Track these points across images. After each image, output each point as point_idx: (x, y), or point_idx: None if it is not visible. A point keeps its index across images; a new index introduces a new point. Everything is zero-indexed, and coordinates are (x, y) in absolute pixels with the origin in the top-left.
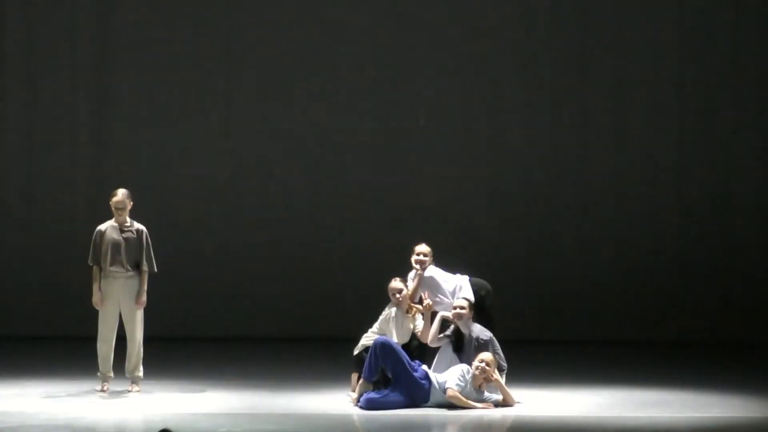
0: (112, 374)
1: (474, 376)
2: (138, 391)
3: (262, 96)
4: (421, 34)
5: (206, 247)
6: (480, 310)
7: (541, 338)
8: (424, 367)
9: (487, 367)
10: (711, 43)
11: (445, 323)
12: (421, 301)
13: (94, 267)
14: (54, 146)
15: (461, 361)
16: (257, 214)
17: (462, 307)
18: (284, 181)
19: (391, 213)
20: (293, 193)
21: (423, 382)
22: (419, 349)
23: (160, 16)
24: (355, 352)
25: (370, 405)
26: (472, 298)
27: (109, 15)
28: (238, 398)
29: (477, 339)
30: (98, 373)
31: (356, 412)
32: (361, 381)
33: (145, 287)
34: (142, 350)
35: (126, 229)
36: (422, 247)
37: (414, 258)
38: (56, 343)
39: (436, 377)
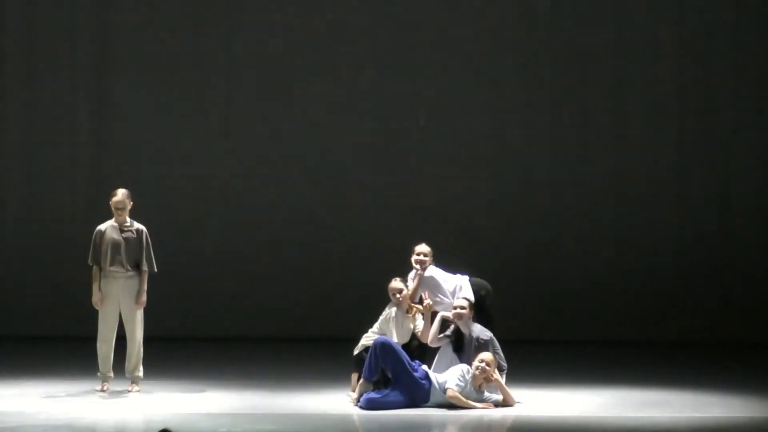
0: (112, 374)
1: (474, 376)
2: (138, 391)
3: (262, 96)
4: (421, 34)
5: (206, 247)
6: (480, 310)
7: (541, 338)
8: (424, 367)
9: (487, 367)
10: (711, 43)
11: (445, 323)
12: (421, 301)
13: (94, 267)
14: (54, 146)
15: (461, 361)
16: (257, 214)
17: (462, 307)
18: (284, 181)
19: (391, 213)
20: (293, 193)
21: (423, 382)
22: (419, 349)
23: (160, 17)
24: (355, 352)
25: (370, 405)
26: (472, 298)
27: (109, 15)
28: (238, 398)
29: (477, 339)
30: (98, 373)
31: (356, 412)
32: (361, 381)
33: (145, 287)
34: (142, 350)
35: (126, 229)
36: (422, 247)
37: (414, 258)
38: (56, 343)
39: (436, 377)
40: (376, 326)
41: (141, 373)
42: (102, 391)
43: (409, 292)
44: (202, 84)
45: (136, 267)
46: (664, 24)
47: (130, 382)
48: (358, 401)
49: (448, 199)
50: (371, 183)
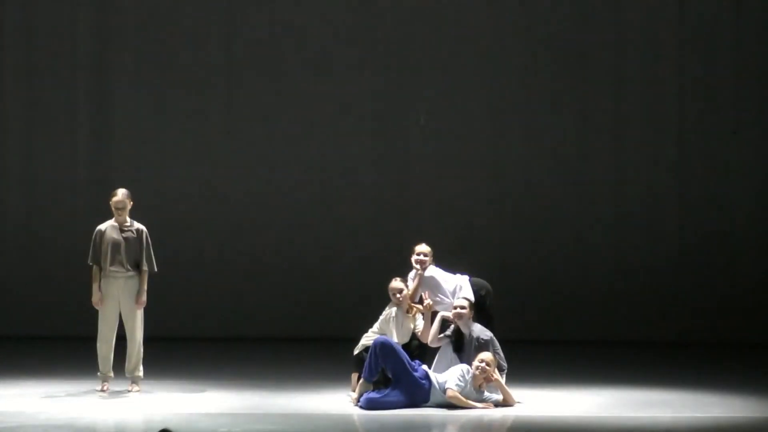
0: (112, 374)
1: (474, 376)
2: (138, 391)
3: (262, 96)
4: (422, 35)
5: (206, 247)
6: (480, 310)
7: (541, 338)
8: (424, 367)
9: (488, 367)
10: (711, 43)
11: (445, 323)
12: (421, 301)
13: (94, 267)
14: (54, 146)
15: (461, 361)
16: (257, 214)
17: (462, 307)
18: (284, 181)
19: (392, 213)
20: (293, 193)
21: (423, 382)
22: (419, 349)
23: (159, 17)
24: (355, 352)
25: (370, 405)
26: (472, 298)
27: (109, 15)
28: (238, 398)
29: (477, 339)
30: (98, 373)
31: (356, 412)
32: (361, 381)
33: (145, 287)
34: (142, 350)
35: (126, 228)
36: (422, 247)
37: (414, 258)
38: (56, 343)
39: (436, 377)
40: (376, 326)
41: (141, 373)
42: (102, 391)
43: (410, 292)
44: (202, 84)
45: (136, 267)
46: (664, 24)
47: (130, 382)
48: (358, 401)
49: (448, 199)
50: (371, 183)
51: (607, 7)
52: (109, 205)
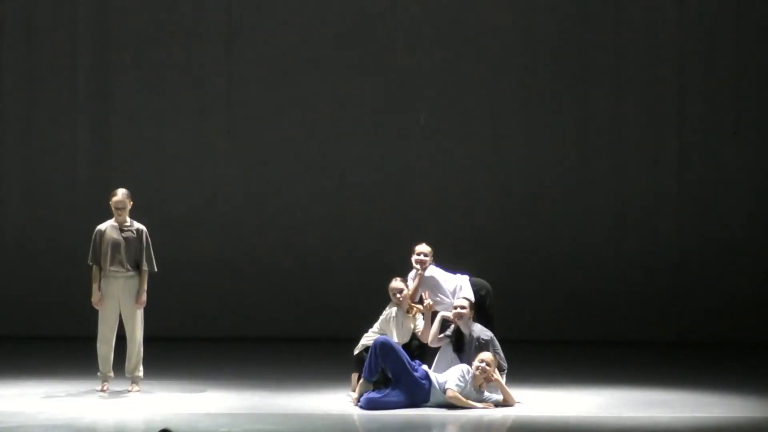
0: (112, 374)
1: (474, 376)
2: (138, 391)
3: (262, 96)
4: (422, 35)
5: (206, 247)
6: (480, 310)
7: (541, 338)
8: (425, 366)
9: (488, 367)
10: (711, 43)
11: (445, 323)
12: (421, 301)
13: (94, 267)
14: (54, 146)
15: (461, 361)
16: (257, 214)
17: (462, 307)
18: (284, 181)
19: (392, 213)
20: (293, 192)
21: (423, 382)
22: (419, 349)
23: (160, 17)
24: (356, 352)
25: (370, 405)
26: (472, 298)
27: (110, 15)
28: (238, 398)
29: (477, 339)
30: (98, 373)
31: (356, 412)
32: (361, 381)
33: (145, 287)
34: (142, 350)
35: (126, 228)
36: (422, 247)
37: (414, 258)
38: (56, 343)
39: (436, 377)
40: (376, 326)
41: (141, 373)
42: (102, 391)
43: (410, 292)
44: (202, 84)
45: (136, 267)
46: (664, 24)
47: (130, 382)
48: (358, 401)
49: (448, 199)
50: (371, 183)
51: (607, 7)
52: (109, 205)
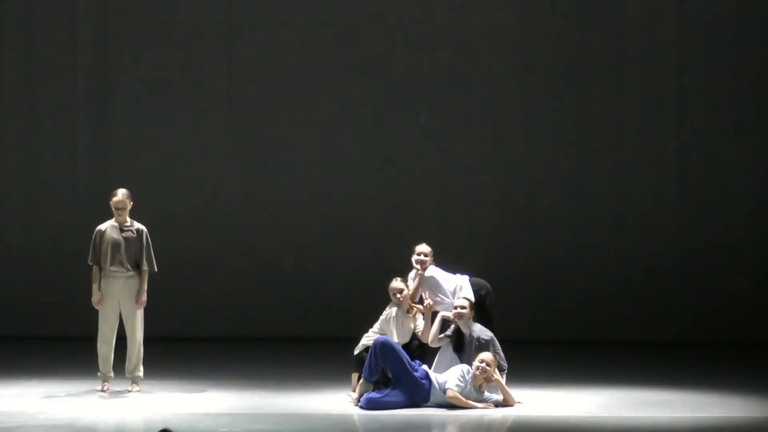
0: (112, 374)
1: (474, 376)
2: (138, 391)
3: (262, 96)
4: (422, 34)
5: (206, 247)
6: (480, 310)
7: (541, 338)
8: (425, 366)
9: (488, 367)
10: (711, 43)
11: (445, 323)
12: (421, 301)
13: (94, 267)
14: (54, 146)
15: (462, 361)
16: (257, 214)
17: (463, 307)
18: (284, 181)
19: (392, 213)
20: (293, 192)
21: (423, 381)
22: (420, 349)
23: (160, 17)
24: (356, 352)
25: (370, 405)
26: (472, 298)
27: (109, 15)
28: (238, 398)
29: (478, 339)
30: (98, 373)
31: (356, 412)
32: (361, 381)
33: (146, 287)
34: (142, 350)
35: (126, 228)
36: (423, 247)
37: (414, 258)
38: (56, 343)
39: (436, 377)
40: (376, 326)
41: (141, 373)
42: (102, 391)
43: (410, 292)
44: (202, 84)
45: (137, 267)
46: (664, 24)
47: (130, 382)
48: (359, 401)
49: (448, 199)
50: (371, 182)
51: (607, 7)
52: (109, 205)
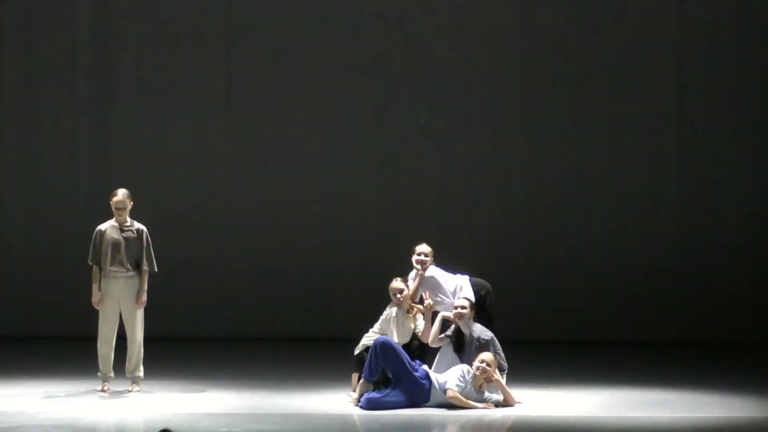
0: (112, 374)
1: (475, 377)
2: (138, 391)
3: (262, 96)
4: (422, 35)
5: (206, 247)
6: (480, 310)
7: (541, 338)
8: (425, 367)
9: (488, 368)
10: (711, 43)
11: (445, 323)
12: (421, 301)
13: (94, 267)
14: (54, 146)
15: (462, 361)
16: (257, 214)
17: (463, 307)
18: (284, 181)
19: (392, 213)
20: (293, 192)
21: (423, 382)
22: (420, 349)
23: (160, 17)
24: (356, 352)
25: (370, 405)
26: (472, 298)
27: (109, 15)
28: (238, 398)
29: (478, 339)
30: (98, 373)
31: (357, 412)
32: (361, 381)
33: (146, 287)
34: (142, 350)
35: (126, 228)
36: (423, 247)
37: (415, 258)
38: (56, 343)
39: (436, 377)
40: (376, 326)
41: (141, 373)
42: (102, 391)
43: (410, 292)
44: (202, 84)
45: (137, 267)
46: (664, 24)
47: (130, 382)
48: (359, 401)
49: (448, 199)
50: (371, 182)
51: (607, 7)
52: (109, 205)
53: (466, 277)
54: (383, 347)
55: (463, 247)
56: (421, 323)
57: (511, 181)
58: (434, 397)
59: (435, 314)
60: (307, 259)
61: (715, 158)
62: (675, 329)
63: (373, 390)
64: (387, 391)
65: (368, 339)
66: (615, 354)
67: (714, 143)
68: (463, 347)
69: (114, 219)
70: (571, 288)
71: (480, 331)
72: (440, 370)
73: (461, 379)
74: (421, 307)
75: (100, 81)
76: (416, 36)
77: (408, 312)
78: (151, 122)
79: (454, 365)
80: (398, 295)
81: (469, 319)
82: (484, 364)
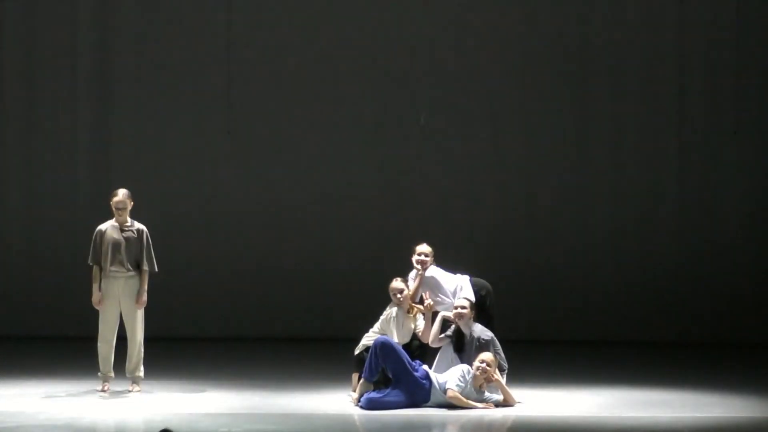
0: (112, 374)
1: (475, 377)
2: (138, 391)
3: (262, 96)
4: (422, 35)
5: (207, 247)
6: (481, 310)
7: (541, 338)
8: (425, 367)
9: (488, 368)
10: (711, 43)
11: (445, 323)
12: (422, 301)
13: (94, 267)
14: (54, 146)
15: (462, 361)
16: (257, 214)
17: (463, 307)
18: (284, 181)
19: (392, 213)
20: (293, 192)
21: (423, 382)
22: (420, 349)
23: (160, 16)
24: (356, 352)
25: (370, 405)
26: (473, 298)
27: (109, 15)
28: (238, 398)
29: (478, 339)
30: (99, 373)
31: (357, 412)
32: (361, 381)
33: (146, 287)
34: (142, 350)
35: (126, 228)
36: (423, 247)
37: (415, 258)
38: (56, 343)
39: (436, 377)
40: (376, 326)
41: (141, 373)
42: (102, 391)
43: (410, 292)
44: (202, 84)
45: (137, 267)
46: (664, 24)
47: (130, 382)
48: (359, 401)
49: (448, 199)
50: (372, 182)
51: (607, 7)
52: (109, 205)
53: (466, 277)
54: (383, 347)
55: (463, 247)
56: (421, 323)
57: (511, 181)
58: (434, 397)
59: (435, 314)
60: (307, 259)
61: (715, 158)
62: (675, 329)
63: (373, 390)
64: (387, 391)
65: (368, 339)
66: (615, 354)
67: (714, 143)
68: (463, 347)
69: (114, 219)
70: (570, 288)
71: (480, 331)
72: (440, 370)
73: (461, 379)
74: (421, 307)
75: (100, 81)
76: (416, 36)
77: (408, 312)
78: (151, 122)
79: (454, 365)
80: (398, 295)
81: (470, 319)
82: (484, 364)
